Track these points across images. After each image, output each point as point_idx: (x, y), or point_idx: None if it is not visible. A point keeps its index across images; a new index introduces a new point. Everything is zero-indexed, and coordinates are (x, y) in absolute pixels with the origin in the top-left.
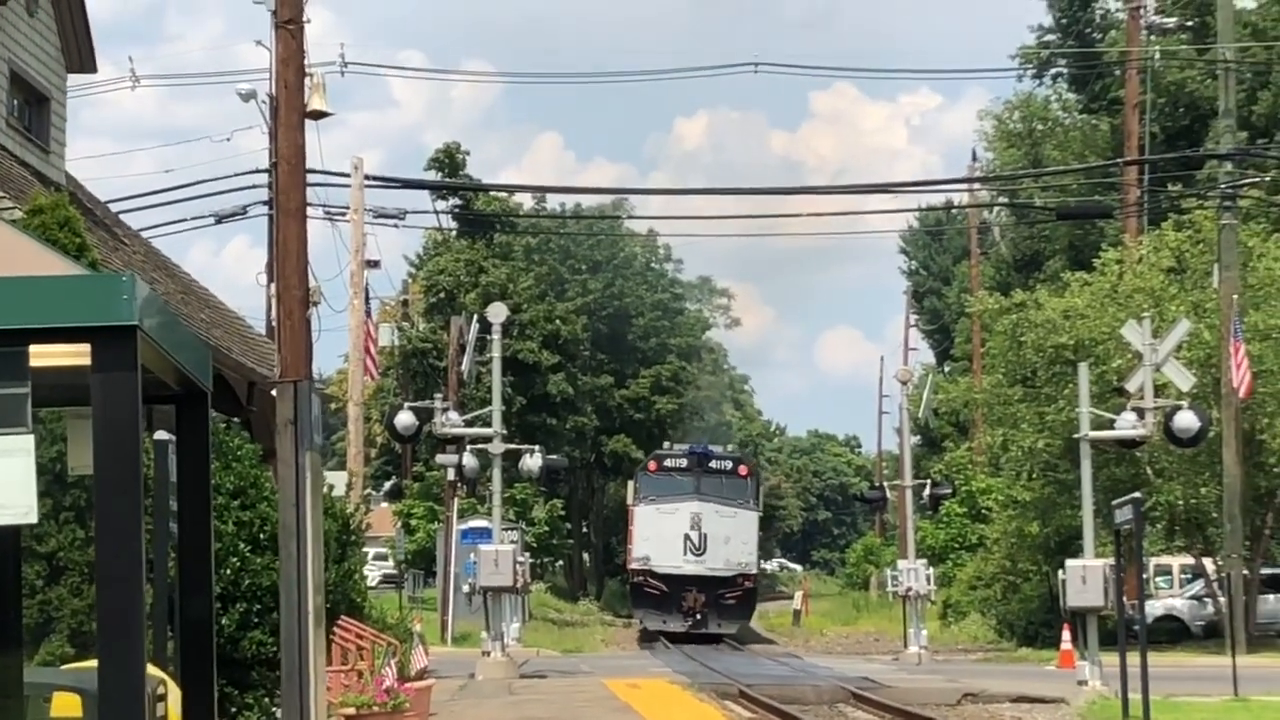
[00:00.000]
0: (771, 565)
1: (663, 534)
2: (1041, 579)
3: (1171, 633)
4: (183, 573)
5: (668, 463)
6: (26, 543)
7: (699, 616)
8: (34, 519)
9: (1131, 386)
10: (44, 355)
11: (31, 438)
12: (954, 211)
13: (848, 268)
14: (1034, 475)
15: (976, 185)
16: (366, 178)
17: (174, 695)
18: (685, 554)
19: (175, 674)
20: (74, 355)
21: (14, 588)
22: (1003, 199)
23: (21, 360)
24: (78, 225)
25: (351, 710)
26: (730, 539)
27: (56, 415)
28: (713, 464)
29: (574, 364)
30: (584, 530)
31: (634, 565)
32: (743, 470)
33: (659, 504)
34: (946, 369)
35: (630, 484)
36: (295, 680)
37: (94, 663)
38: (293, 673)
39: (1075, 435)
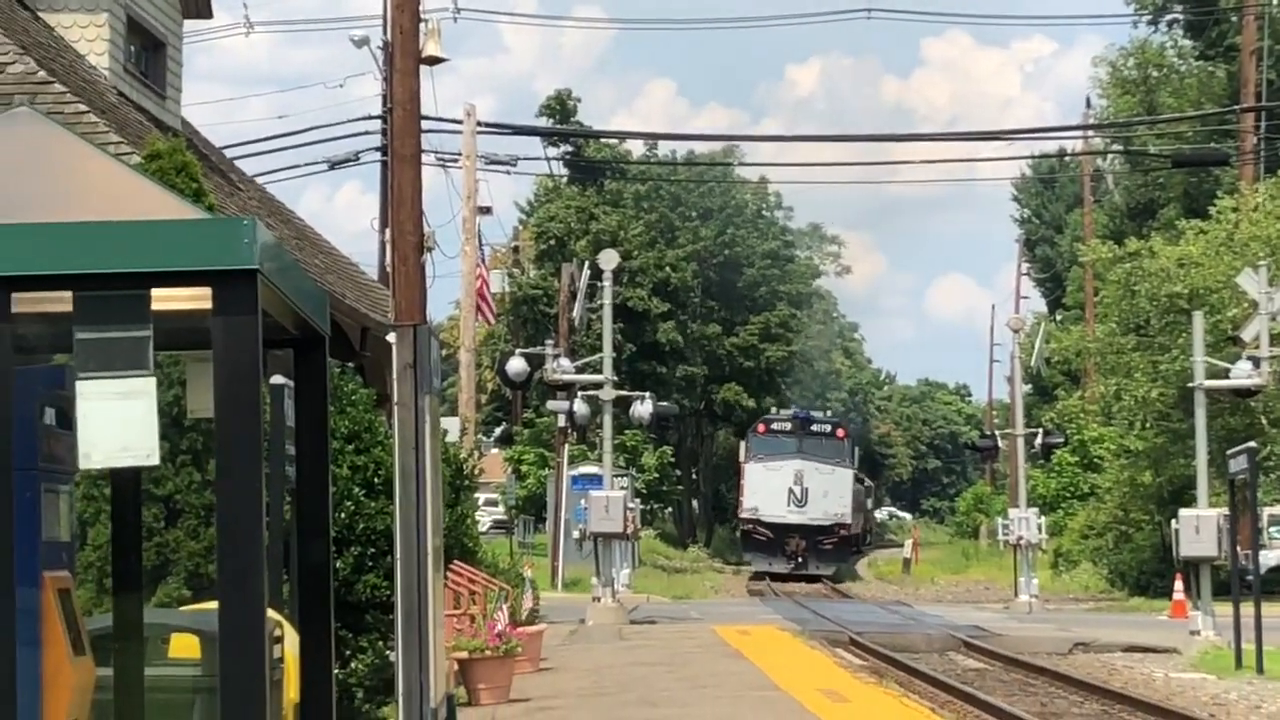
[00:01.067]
0: (881, 514)
1: (770, 488)
2: (1154, 529)
3: None
4: (300, 516)
5: (774, 426)
6: (145, 485)
7: (800, 560)
8: (155, 461)
9: (1247, 335)
10: (164, 299)
11: (154, 380)
12: (1067, 159)
13: (959, 215)
14: (1147, 425)
15: (1090, 132)
16: (479, 124)
17: (290, 638)
18: (789, 505)
19: (291, 617)
20: (194, 299)
21: (134, 529)
22: (1117, 146)
23: (143, 303)
24: (195, 170)
25: (464, 654)
26: (828, 493)
27: (174, 359)
28: (814, 427)
29: (684, 312)
30: (693, 478)
31: (744, 515)
32: (840, 433)
33: (767, 462)
34: (1058, 317)
35: (742, 443)
36: (414, 623)
37: (212, 605)
38: (411, 615)
39: (1189, 384)
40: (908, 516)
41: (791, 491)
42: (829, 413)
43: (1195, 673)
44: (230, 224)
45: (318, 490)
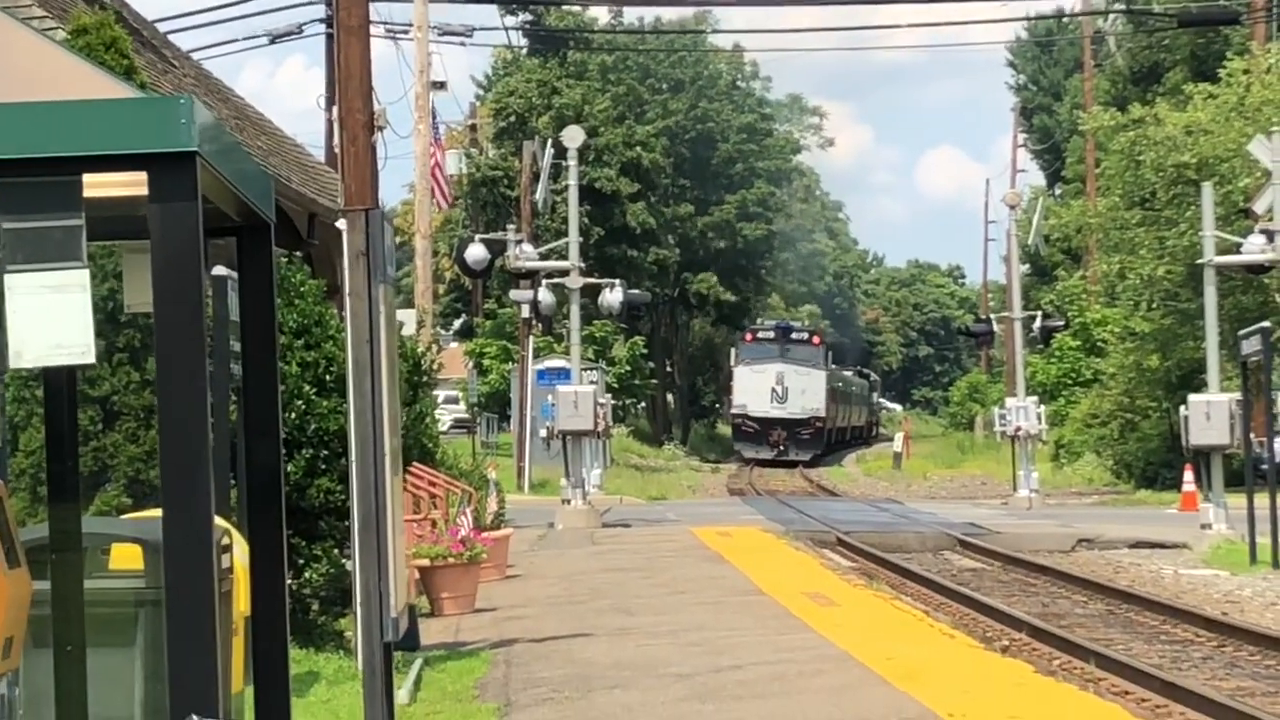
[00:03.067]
0: None
1: (756, 388)
2: (1161, 416)
3: None
4: (247, 416)
5: (760, 335)
6: (80, 386)
7: (781, 448)
8: (91, 359)
9: (1259, 207)
10: (97, 185)
11: (86, 272)
12: (1065, 20)
13: (950, 83)
14: (1153, 305)
15: None
16: None
17: (239, 547)
18: (772, 402)
19: (240, 525)
20: (129, 185)
21: (70, 433)
22: (1119, 5)
23: (74, 189)
24: (125, 46)
25: (425, 561)
26: (805, 391)
27: (109, 250)
28: (793, 335)
29: (655, 192)
30: (668, 370)
31: (734, 411)
32: (815, 340)
33: (753, 365)
34: (1058, 192)
35: (732, 349)
36: (371, 529)
37: (154, 512)
38: (368, 521)
39: (1198, 261)
40: (898, 408)
41: (774, 390)
42: (811, 316)
43: (1206, 569)
44: (165, 103)
45: (265, 389)
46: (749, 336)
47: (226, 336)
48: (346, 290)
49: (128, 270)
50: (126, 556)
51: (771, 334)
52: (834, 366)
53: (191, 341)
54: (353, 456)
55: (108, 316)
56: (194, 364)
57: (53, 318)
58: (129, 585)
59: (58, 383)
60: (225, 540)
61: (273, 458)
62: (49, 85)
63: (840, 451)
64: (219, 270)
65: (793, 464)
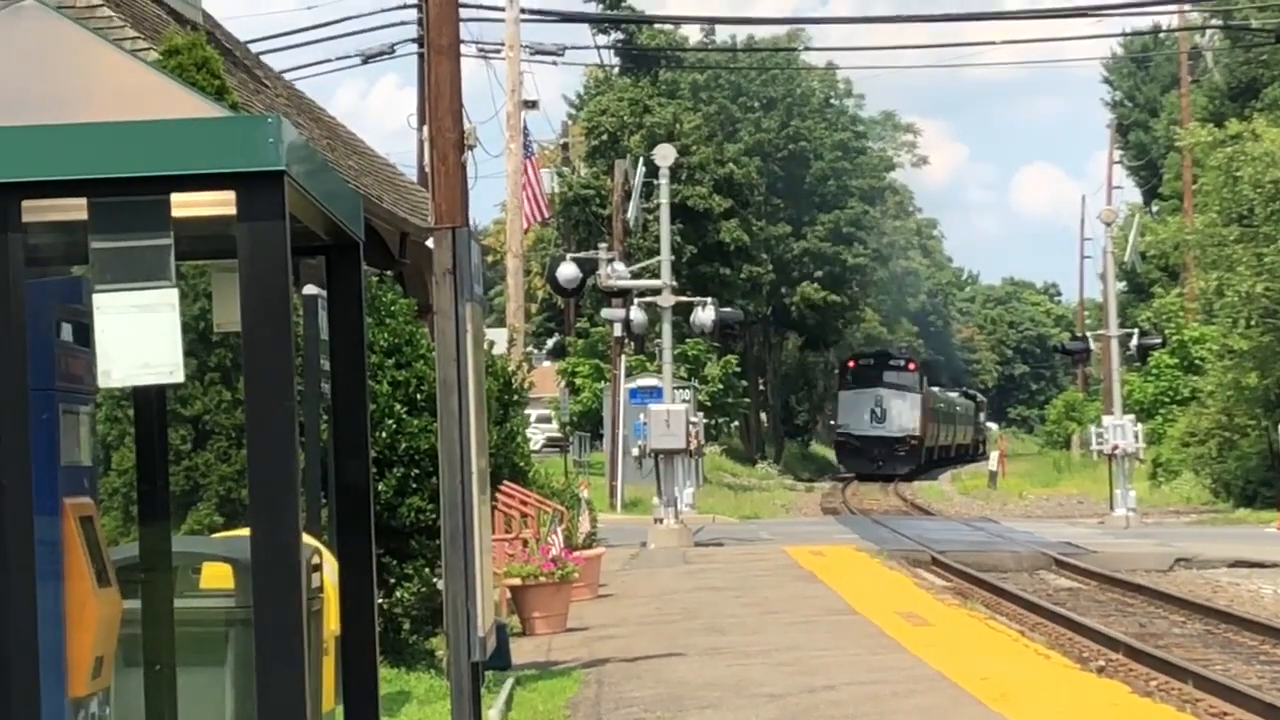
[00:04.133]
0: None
1: (858, 409)
2: (1260, 434)
3: None
4: (337, 435)
5: (861, 361)
6: (171, 405)
7: (880, 464)
8: (180, 378)
9: None
10: (187, 204)
11: (175, 292)
12: (1162, 35)
13: (1046, 100)
14: (1252, 322)
15: (1187, 6)
16: (523, 11)
17: (330, 565)
18: (871, 422)
19: (330, 543)
20: (219, 205)
21: (160, 452)
22: (1216, 20)
23: (162, 209)
24: (216, 66)
25: (517, 580)
26: (901, 412)
27: (200, 270)
28: (891, 362)
29: (747, 210)
30: (760, 389)
31: (838, 430)
32: (910, 366)
33: (855, 389)
34: (1154, 208)
35: (837, 373)
36: (459, 548)
37: (245, 531)
38: (456, 540)
39: None
40: (994, 426)
41: (873, 411)
42: (907, 333)
43: None
44: (254, 122)
45: (355, 407)
46: (852, 363)
47: (317, 355)
48: (435, 308)
49: (217, 290)
50: (217, 575)
51: (872, 361)
52: (936, 389)
53: (280, 361)
54: (442, 475)
55: (199, 336)
56: (282, 383)
57: (141, 337)
58: (219, 604)
59: (148, 402)
60: (315, 559)
61: (362, 476)
62: (139, 105)
63: (942, 468)
64: (309, 289)
65: (889, 478)
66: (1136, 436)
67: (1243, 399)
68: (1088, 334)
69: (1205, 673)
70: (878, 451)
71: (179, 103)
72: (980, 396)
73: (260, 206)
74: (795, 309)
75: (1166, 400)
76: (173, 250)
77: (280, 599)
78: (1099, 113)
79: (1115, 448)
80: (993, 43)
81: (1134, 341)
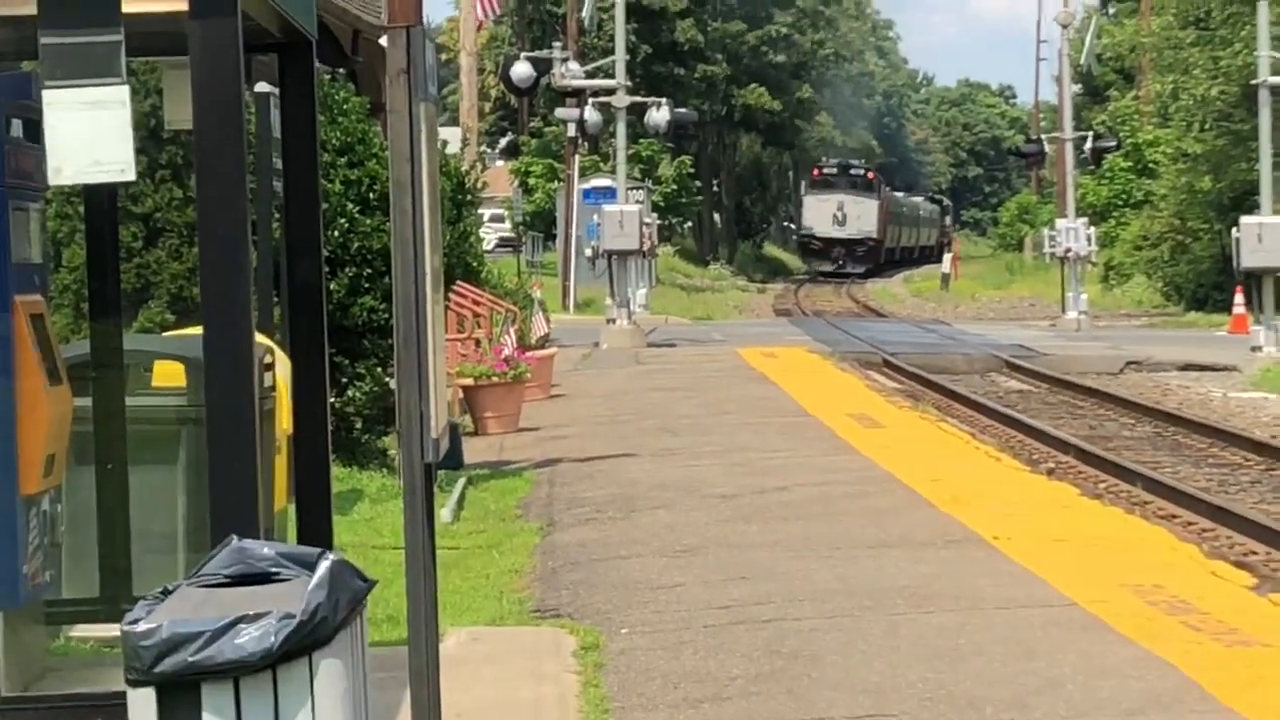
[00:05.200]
0: None
1: (821, 213)
2: (1213, 238)
3: None
4: (289, 233)
5: (825, 170)
6: (122, 203)
7: (841, 263)
8: (131, 176)
9: None
10: (136, 1)
11: (126, 89)
12: None
13: None
14: (1206, 125)
15: None
16: None
17: (282, 364)
18: (833, 225)
19: (283, 342)
20: (167, 0)
21: (111, 251)
22: None
23: (113, 5)
24: None
25: (469, 380)
26: (860, 216)
27: (152, 66)
28: (851, 171)
29: (703, 8)
30: (714, 189)
31: (803, 232)
32: (870, 175)
33: (819, 195)
34: (1111, 11)
35: (803, 181)
36: (412, 347)
37: (196, 330)
38: (409, 339)
39: (1253, 81)
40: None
41: (835, 215)
42: (860, 138)
43: (1256, 391)
44: None
45: (307, 206)
46: (816, 172)
47: (269, 154)
48: (388, 108)
49: (168, 87)
50: (169, 374)
51: (834, 170)
52: (899, 194)
53: (231, 160)
54: (395, 275)
55: (150, 133)
56: (234, 182)
57: (92, 134)
58: (171, 402)
59: (99, 199)
60: (268, 358)
61: (315, 275)
62: None
63: (904, 268)
64: (261, 87)
65: (849, 276)
66: (1089, 240)
67: (1196, 203)
68: (1042, 136)
69: (1154, 475)
70: (839, 252)
71: None
72: (946, 201)
73: (211, 3)
74: (746, 110)
75: (1120, 204)
76: (123, 47)
77: (232, 397)
78: None
79: (1068, 250)
80: None
81: (1088, 144)
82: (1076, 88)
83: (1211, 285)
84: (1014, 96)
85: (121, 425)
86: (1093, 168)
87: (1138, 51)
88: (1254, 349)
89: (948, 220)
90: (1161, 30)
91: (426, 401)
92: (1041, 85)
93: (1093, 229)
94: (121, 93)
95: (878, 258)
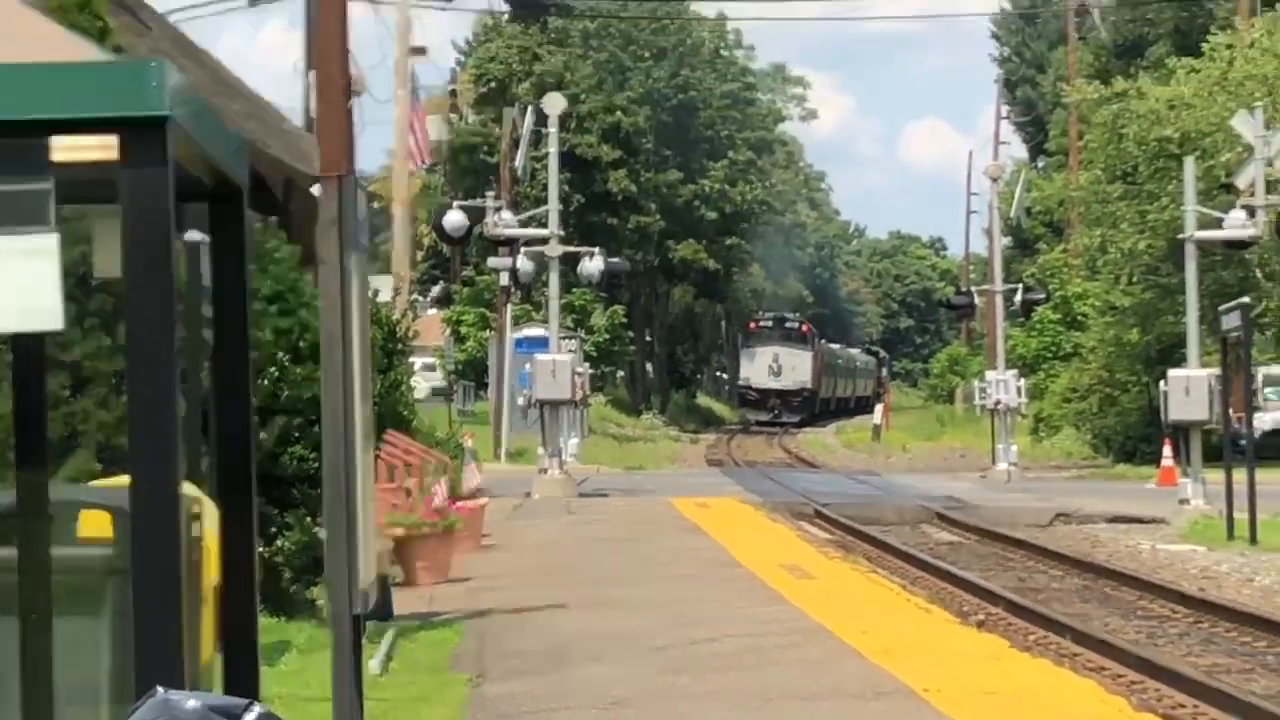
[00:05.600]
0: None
1: (758, 365)
2: (1141, 390)
3: None
4: (218, 383)
5: (761, 323)
6: (50, 351)
7: (777, 413)
8: (60, 325)
9: (1241, 182)
10: (69, 148)
11: (56, 237)
12: None
13: (935, 54)
14: (1134, 279)
15: None
16: None
17: (210, 515)
18: (769, 376)
19: (211, 492)
20: (102, 149)
21: (38, 399)
22: None
23: (42, 153)
24: (100, 7)
25: (400, 530)
26: (795, 368)
27: (80, 214)
28: (787, 324)
29: (637, 159)
30: (647, 339)
31: (741, 383)
32: (804, 328)
33: (756, 348)
34: (1040, 164)
35: (739, 334)
36: (341, 498)
37: (124, 479)
38: (338, 490)
39: (1180, 235)
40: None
41: (771, 367)
42: (793, 289)
43: (1184, 544)
44: (137, 66)
45: (237, 355)
46: (753, 325)
47: (199, 303)
48: (319, 258)
49: (99, 235)
50: (95, 524)
51: (769, 323)
52: (835, 347)
53: (161, 308)
54: (325, 424)
55: (80, 281)
56: (164, 331)
57: (20, 283)
58: (98, 553)
59: (27, 348)
60: (196, 508)
61: (244, 425)
62: (18, 48)
63: (840, 418)
64: (193, 235)
65: (785, 425)
66: (1019, 391)
67: (1124, 355)
68: (973, 289)
69: (1083, 627)
70: (775, 402)
71: (60, 45)
72: (882, 353)
73: (143, 152)
74: (681, 263)
75: (1049, 355)
76: (53, 195)
77: (159, 548)
78: (988, 68)
79: (998, 402)
80: None
81: (1018, 296)
82: (1006, 240)
83: (1140, 437)
84: (945, 248)
85: (46, 576)
86: (1022, 320)
87: (1066, 205)
88: (1182, 501)
89: (884, 371)
90: (1090, 185)
91: (355, 552)
92: (972, 238)
93: (1022, 381)
94: (51, 241)
95: (813, 408)
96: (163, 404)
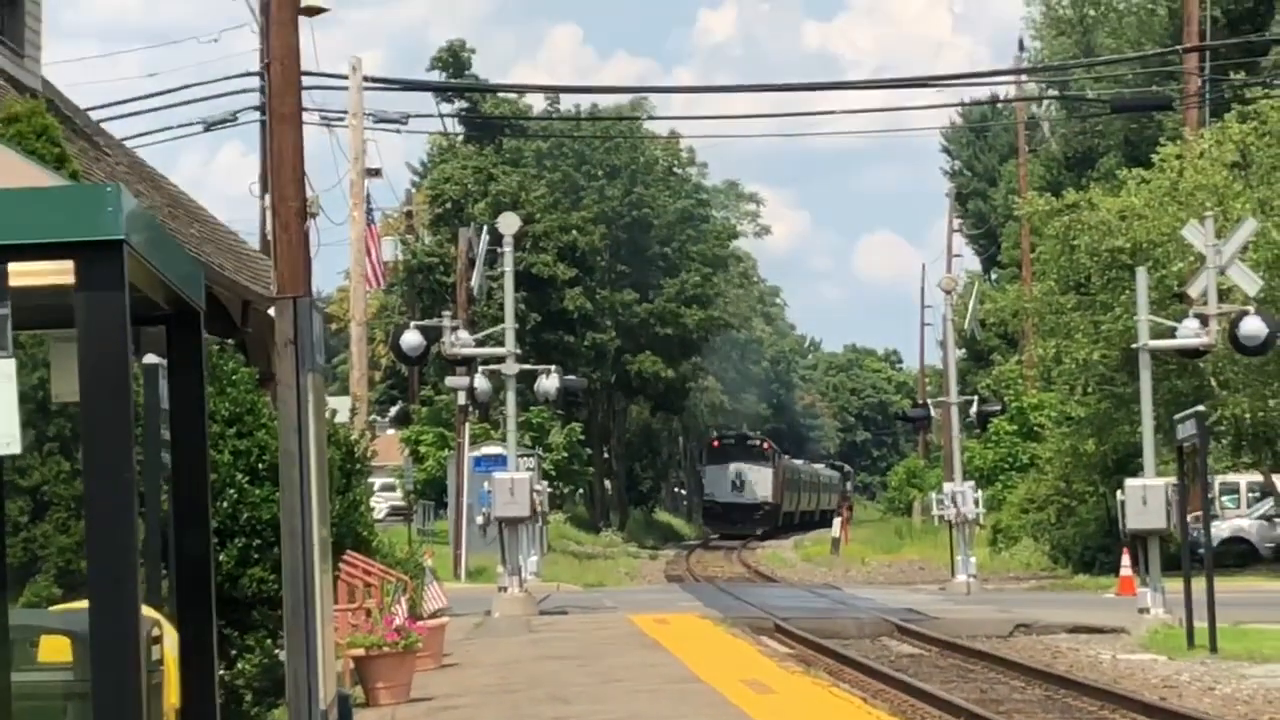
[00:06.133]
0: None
1: (720, 481)
2: (1099, 500)
3: (1240, 555)
4: (177, 506)
5: (723, 441)
6: (9, 476)
7: (740, 525)
8: (17, 449)
9: (1194, 292)
10: (23, 274)
11: (13, 362)
12: (1000, 106)
13: (887, 169)
14: (1089, 389)
15: (1024, 77)
16: (366, 79)
17: (170, 637)
18: (732, 491)
19: (171, 615)
20: (56, 274)
21: None
22: (1053, 91)
23: (0, 279)
24: (56, 134)
25: (360, 651)
26: (757, 484)
27: (38, 339)
28: (748, 443)
29: (592, 277)
30: (605, 456)
31: (705, 498)
32: (765, 445)
33: (719, 465)
34: (993, 276)
35: (703, 451)
36: (300, 619)
37: (84, 604)
38: (297, 611)
39: (1133, 345)
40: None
41: (733, 482)
42: (750, 403)
43: (1145, 653)
44: (92, 191)
45: (195, 478)
46: (715, 443)
47: (158, 425)
48: (276, 378)
49: (55, 360)
50: (55, 649)
51: (731, 440)
52: (799, 462)
53: (118, 432)
54: (283, 546)
55: (38, 406)
56: (121, 455)
57: None
58: (58, 678)
59: None
60: (156, 631)
61: (203, 547)
62: None
63: (803, 531)
64: (150, 358)
65: (747, 538)
66: (976, 503)
67: (1081, 465)
68: (928, 401)
69: None
70: (737, 515)
71: (15, 171)
72: (847, 468)
73: (99, 276)
74: (638, 378)
75: (1006, 467)
76: (9, 321)
77: (118, 672)
78: (939, 181)
79: (956, 514)
80: (835, 112)
81: (974, 408)
82: (961, 352)
83: (1098, 547)
84: (900, 361)
85: (6, 701)
86: (979, 431)
87: (1020, 316)
88: (1142, 610)
89: (848, 485)
90: (1043, 296)
91: (314, 673)
92: (927, 350)
93: (980, 492)
94: (7, 367)
95: (775, 520)
96: (120, 528)
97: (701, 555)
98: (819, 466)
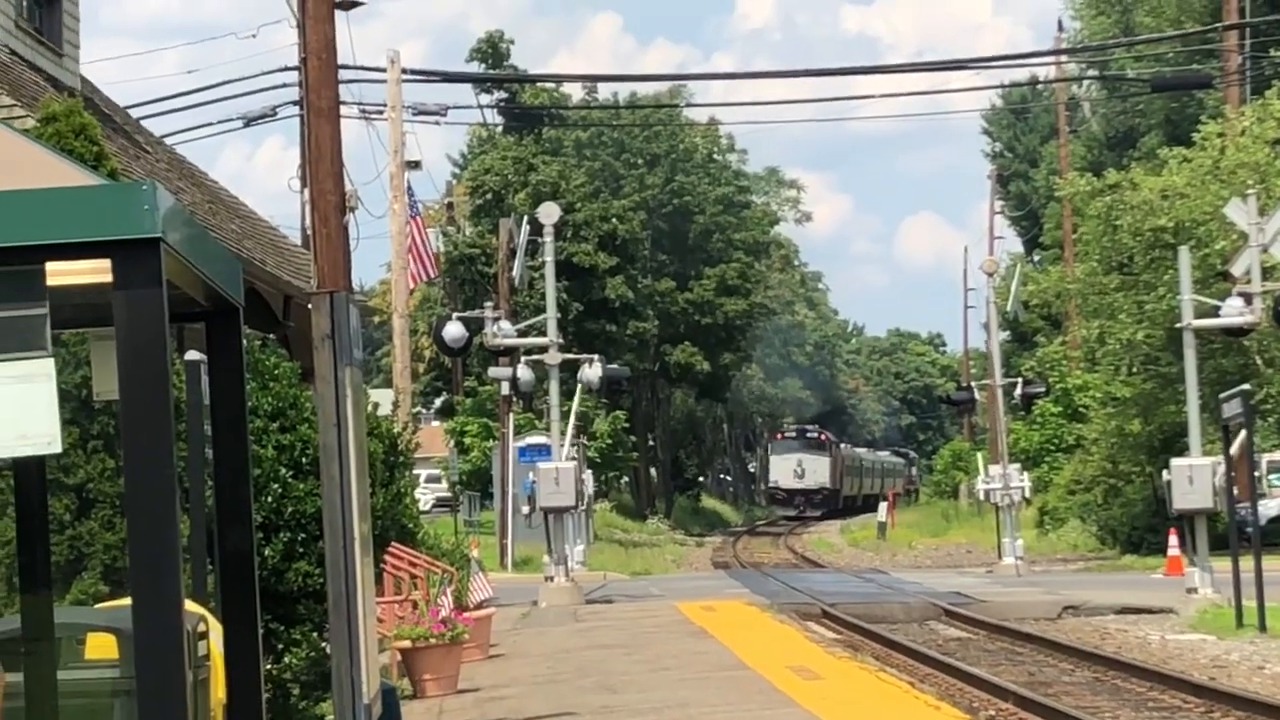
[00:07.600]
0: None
1: (783, 469)
2: (1145, 481)
3: None
4: (220, 501)
5: (785, 434)
6: (54, 474)
7: (801, 509)
8: (58, 448)
9: (1237, 270)
10: (64, 273)
11: (52, 361)
12: (1040, 87)
13: (928, 151)
14: (1134, 369)
15: (1064, 58)
16: (404, 72)
17: (216, 632)
18: (794, 478)
19: (216, 610)
20: (95, 273)
21: (41, 523)
22: (1093, 72)
23: (38, 279)
24: (95, 132)
25: (407, 643)
26: (816, 470)
27: (80, 337)
28: (808, 434)
29: (633, 266)
30: (650, 444)
31: (770, 485)
32: (823, 437)
33: (782, 455)
34: (1036, 258)
35: (769, 442)
36: (343, 612)
37: (129, 601)
38: (340, 604)
39: (1177, 325)
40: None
41: (795, 470)
42: (793, 388)
43: (1193, 634)
44: (128, 190)
45: (237, 473)
46: (779, 435)
47: (200, 421)
48: (315, 373)
49: (96, 358)
50: (102, 646)
51: (793, 434)
52: (861, 450)
53: (158, 429)
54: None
55: (81, 404)
56: (161, 451)
57: (18, 408)
58: (105, 675)
59: (28, 472)
60: (202, 627)
61: (246, 543)
62: (13, 174)
63: (868, 513)
64: (191, 354)
65: (809, 519)
66: (1023, 485)
67: (1126, 446)
68: (973, 384)
69: None
70: (799, 500)
71: (53, 171)
72: (912, 454)
73: (136, 274)
74: (677, 368)
75: (1051, 448)
76: (48, 320)
77: (162, 668)
78: (980, 163)
79: (1002, 496)
80: (875, 96)
81: (1018, 390)
82: (1004, 335)
83: (1145, 528)
84: (944, 344)
85: (54, 699)
86: (1024, 413)
87: (1063, 298)
88: (1190, 591)
89: (913, 471)
90: (1086, 277)
91: (358, 666)
92: (970, 333)
93: (1026, 474)
94: (47, 366)
95: (834, 504)
96: (162, 524)
97: (748, 541)
98: (883, 453)
